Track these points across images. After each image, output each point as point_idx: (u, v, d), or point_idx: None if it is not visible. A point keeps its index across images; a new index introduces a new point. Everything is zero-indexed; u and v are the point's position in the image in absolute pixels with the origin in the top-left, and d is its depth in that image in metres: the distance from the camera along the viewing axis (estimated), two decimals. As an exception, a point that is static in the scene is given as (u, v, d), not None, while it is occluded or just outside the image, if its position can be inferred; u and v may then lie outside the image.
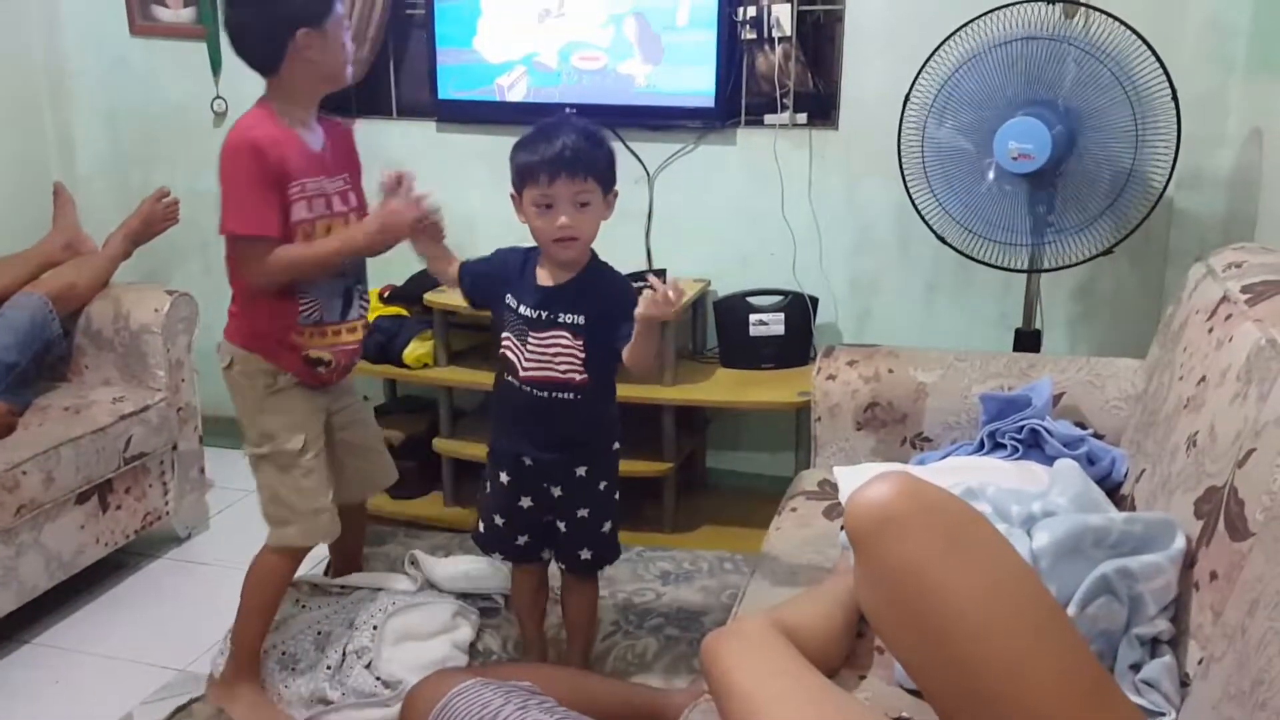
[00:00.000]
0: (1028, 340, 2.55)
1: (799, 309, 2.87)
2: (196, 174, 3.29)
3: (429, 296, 2.91)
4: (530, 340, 1.90)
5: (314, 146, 2.00)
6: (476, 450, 2.77)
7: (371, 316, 3.03)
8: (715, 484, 3.12)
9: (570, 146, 1.80)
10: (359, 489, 2.32)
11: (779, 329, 2.86)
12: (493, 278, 1.98)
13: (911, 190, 2.45)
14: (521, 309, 1.91)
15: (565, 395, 1.91)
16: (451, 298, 2.85)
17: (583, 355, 1.88)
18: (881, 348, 2.27)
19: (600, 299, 1.89)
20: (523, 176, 1.84)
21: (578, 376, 1.89)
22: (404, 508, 3.03)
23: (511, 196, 1.89)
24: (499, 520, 2.05)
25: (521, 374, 1.92)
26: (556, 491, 1.99)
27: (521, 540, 2.06)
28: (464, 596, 2.29)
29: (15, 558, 2.32)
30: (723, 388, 2.81)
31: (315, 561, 2.50)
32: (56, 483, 2.40)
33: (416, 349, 2.94)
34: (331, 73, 1.98)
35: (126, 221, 2.88)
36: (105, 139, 3.46)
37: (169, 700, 2.19)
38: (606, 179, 1.86)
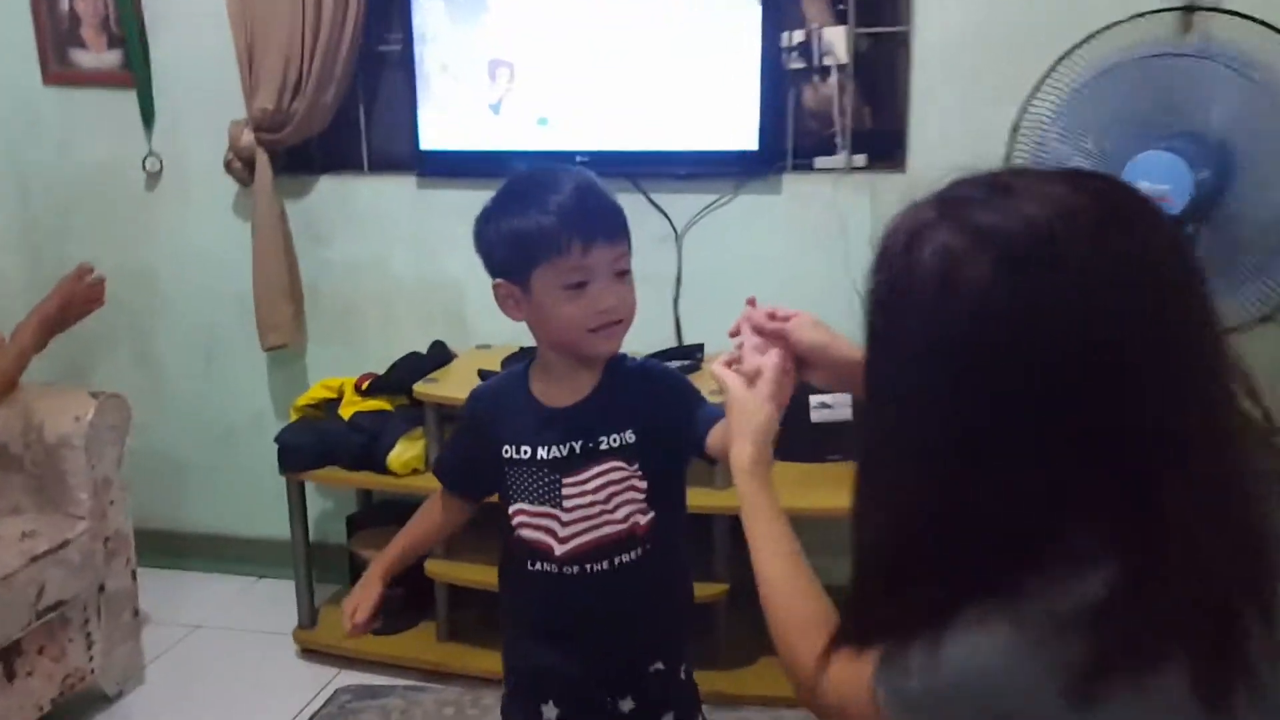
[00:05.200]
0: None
1: (868, 387, 2.41)
2: (126, 247, 2.91)
3: (419, 387, 2.41)
4: (566, 491, 1.37)
5: None
6: (478, 574, 2.28)
7: (348, 412, 2.53)
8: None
9: (597, 198, 1.33)
10: None
11: (845, 413, 2.38)
12: (477, 459, 1.43)
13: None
14: (538, 454, 1.37)
15: (627, 558, 1.38)
16: (447, 388, 2.37)
17: (644, 486, 1.37)
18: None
19: (647, 400, 1.38)
20: (535, 251, 1.30)
21: (642, 519, 1.37)
22: (388, 646, 2.52)
23: (496, 288, 1.35)
24: None
25: (560, 550, 1.37)
26: (627, 706, 1.45)
27: None
28: None
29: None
30: (782, 488, 2.28)
31: None
32: (-56, 655, 1.87)
33: (404, 451, 2.43)
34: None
35: (40, 306, 2.38)
36: (14, 207, 3.00)
37: None
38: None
